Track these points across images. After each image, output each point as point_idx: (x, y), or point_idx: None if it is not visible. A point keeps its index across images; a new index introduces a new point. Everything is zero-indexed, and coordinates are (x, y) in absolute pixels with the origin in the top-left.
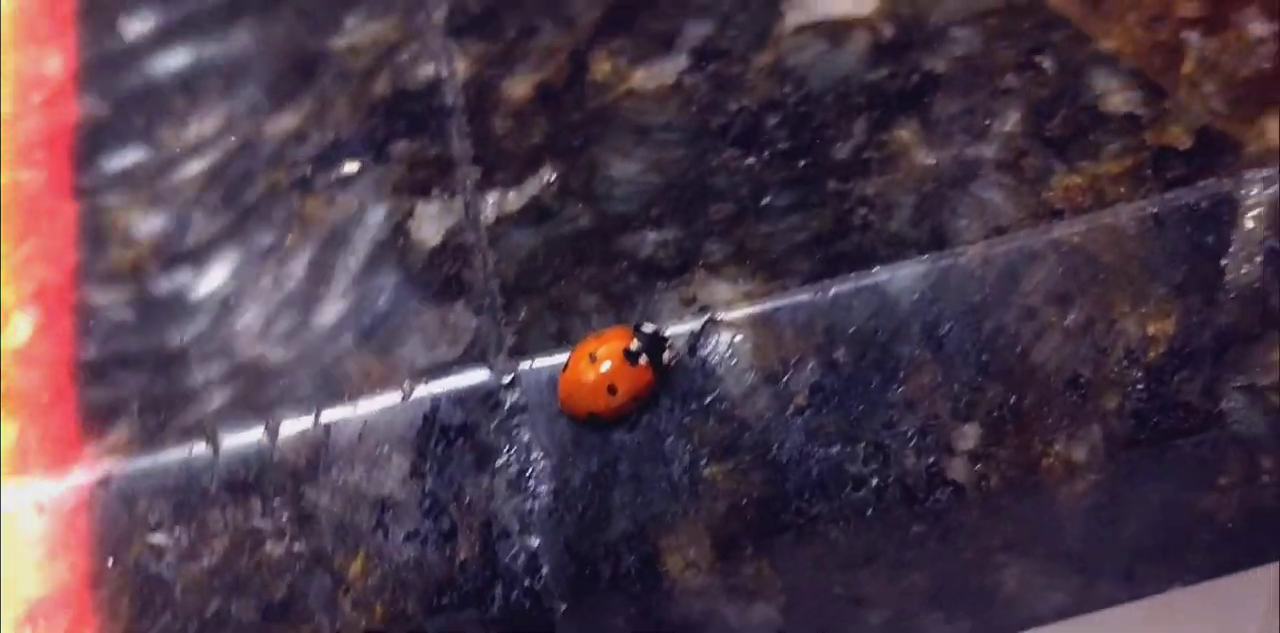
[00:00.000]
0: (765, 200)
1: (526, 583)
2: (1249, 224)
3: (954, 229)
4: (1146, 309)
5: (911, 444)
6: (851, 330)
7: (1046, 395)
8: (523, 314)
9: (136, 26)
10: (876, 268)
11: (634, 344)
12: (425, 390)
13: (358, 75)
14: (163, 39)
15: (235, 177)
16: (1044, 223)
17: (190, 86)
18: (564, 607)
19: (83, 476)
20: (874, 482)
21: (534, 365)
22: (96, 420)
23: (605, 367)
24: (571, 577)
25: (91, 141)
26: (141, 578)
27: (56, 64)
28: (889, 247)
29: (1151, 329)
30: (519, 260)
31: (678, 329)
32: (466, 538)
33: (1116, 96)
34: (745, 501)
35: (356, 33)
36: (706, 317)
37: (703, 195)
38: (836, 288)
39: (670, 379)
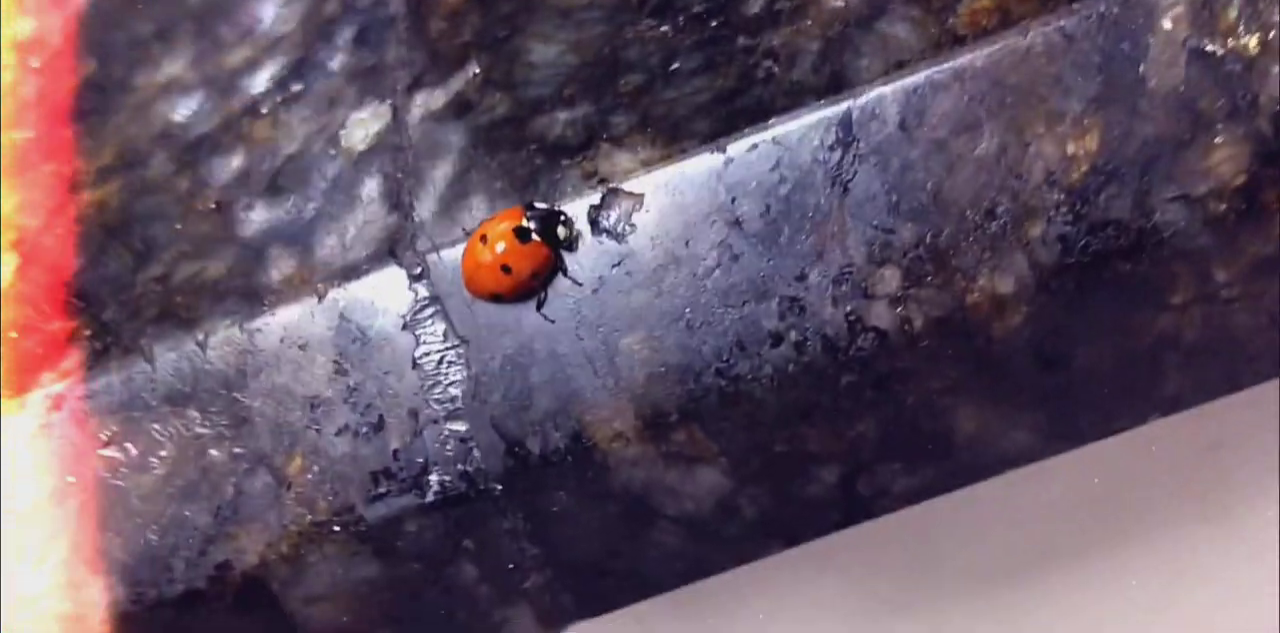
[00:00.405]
0: (674, 66)
1: (460, 467)
2: (1167, 25)
3: (854, 70)
4: (1063, 128)
5: (827, 295)
6: (753, 186)
7: (964, 230)
8: (433, 207)
9: None
10: (773, 119)
11: (525, 222)
12: (341, 291)
13: None
14: None
15: (197, 114)
16: (946, 51)
17: (165, 34)
18: (499, 488)
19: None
20: (792, 336)
21: (441, 256)
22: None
23: (499, 247)
24: (503, 458)
25: (81, 99)
26: (100, 491)
27: (55, 27)
28: (788, 96)
29: (1071, 148)
30: (435, 157)
31: (580, 203)
32: (395, 428)
33: None
34: (663, 367)
35: None
36: (606, 188)
37: (614, 69)
38: (734, 145)
39: (573, 253)
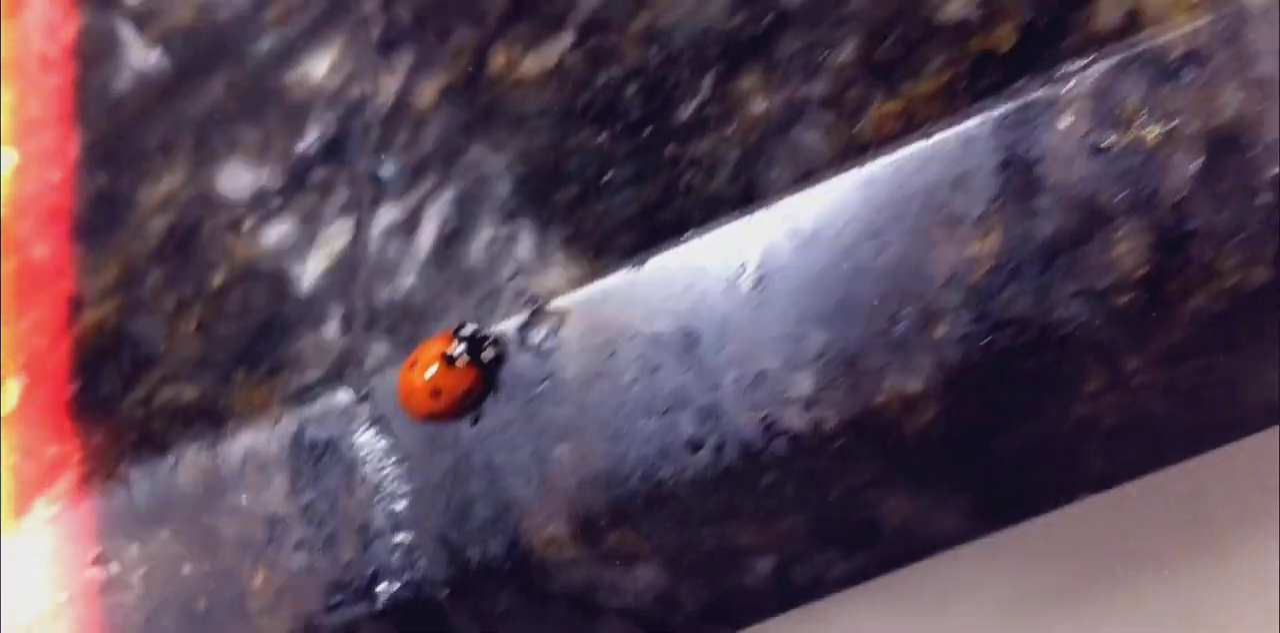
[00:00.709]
0: (607, 177)
1: (407, 576)
2: (1065, 122)
3: (766, 180)
4: (964, 230)
5: (742, 401)
6: (670, 299)
7: (871, 333)
8: (381, 327)
9: (128, 84)
10: (689, 233)
11: (452, 347)
12: (293, 414)
13: (298, 108)
14: (151, 103)
15: (186, 227)
16: (852, 159)
17: (167, 146)
18: (445, 594)
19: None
20: (711, 441)
21: (386, 376)
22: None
23: (429, 373)
24: (447, 566)
25: (91, 214)
26: (90, 607)
27: (63, 143)
28: (704, 209)
29: (972, 250)
30: (389, 274)
31: (512, 322)
32: (347, 541)
33: (954, 2)
34: (592, 475)
35: (307, 65)
36: (533, 308)
37: (555, 181)
38: (652, 260)
39: (499, 372)
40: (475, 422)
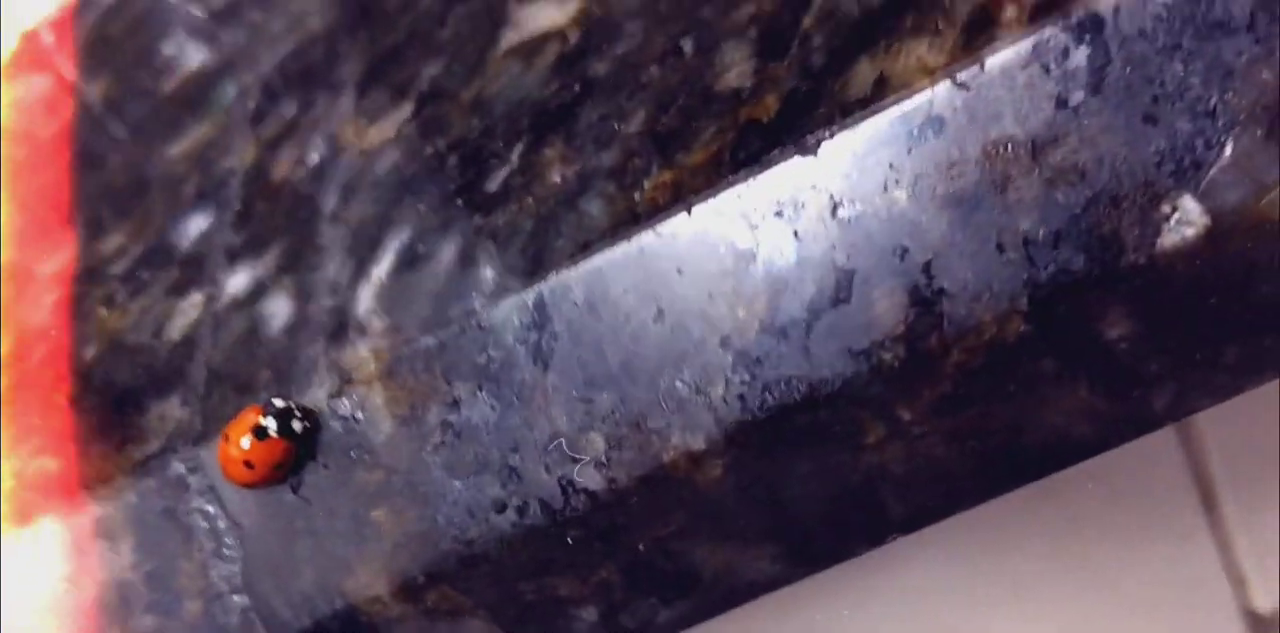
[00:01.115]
0: (418, 249)
1: None
2: (817, 189)
3: (550, 251)
4: (732, 296)
5: (540, 463)
6: (466, 367)
7: (654, 395)
8: (214, 398)
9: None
10: (477, 306)
11: (262, 420)
12: (134, 485)
13: (177, 181)
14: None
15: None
16: (625, 229)
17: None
18: None
19: None
20: (514, 501)
21: (212, 448)
22: None
23: (243, 444)
24: (283, 627)
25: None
26: None
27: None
28: (498, 280)
29: (740, 312)
30: (226, 348)
31: (322, 392)
32: (191, 604)
33: (733, 71)
34: (406, 536)
35: (189, 138)
36: (341, 380)
37: (374, 255)
38: (445, 332)
39: (314, 441)
40: (296, 489)
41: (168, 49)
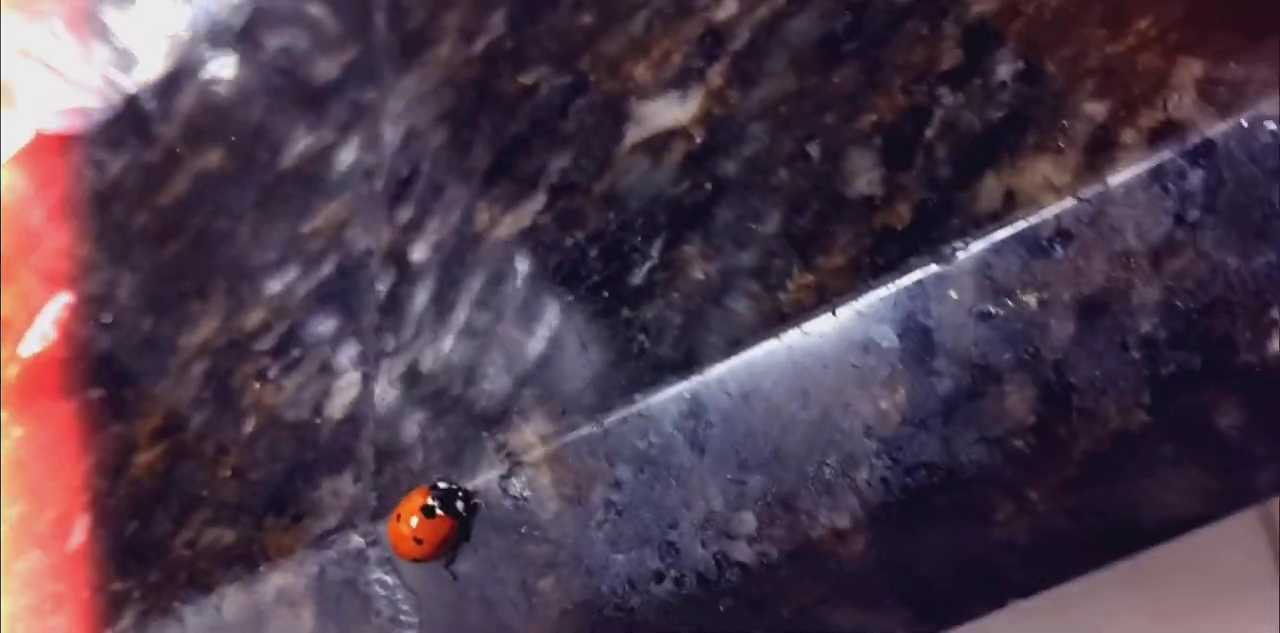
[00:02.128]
0: (573, 338)
1: None
2: (954, 294)
3: (704, 346)
4: (875, 388)
5: (696, 538)
6: (627, 453)
7: (802, 478)
8: (386, 477)
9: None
10: (638, 395)
11: (429, 501)
12: (315, 556)
13: (312, 259)
14: (186, 246)
15: (220, 376)
16: (775, 328)
17: (203, 291)
18: None
19: None
20: (672, 574)
21: (387, 524)
22: (113, 609)
23: (412, 523)
24: None
25: (141, 358)
26: None
27: (112, 288)
28: (652, 373)
29: (883, 405)
30: (393, 427)
31: (494, 474)
32: None
33: (862, 178)
34: (571, 605)
35: (321, 215)
36: (511, 462)
37: (525, 340)
38: (609, 419)
39: (475, 520)
40: (449, 563)
41: (278, 124)
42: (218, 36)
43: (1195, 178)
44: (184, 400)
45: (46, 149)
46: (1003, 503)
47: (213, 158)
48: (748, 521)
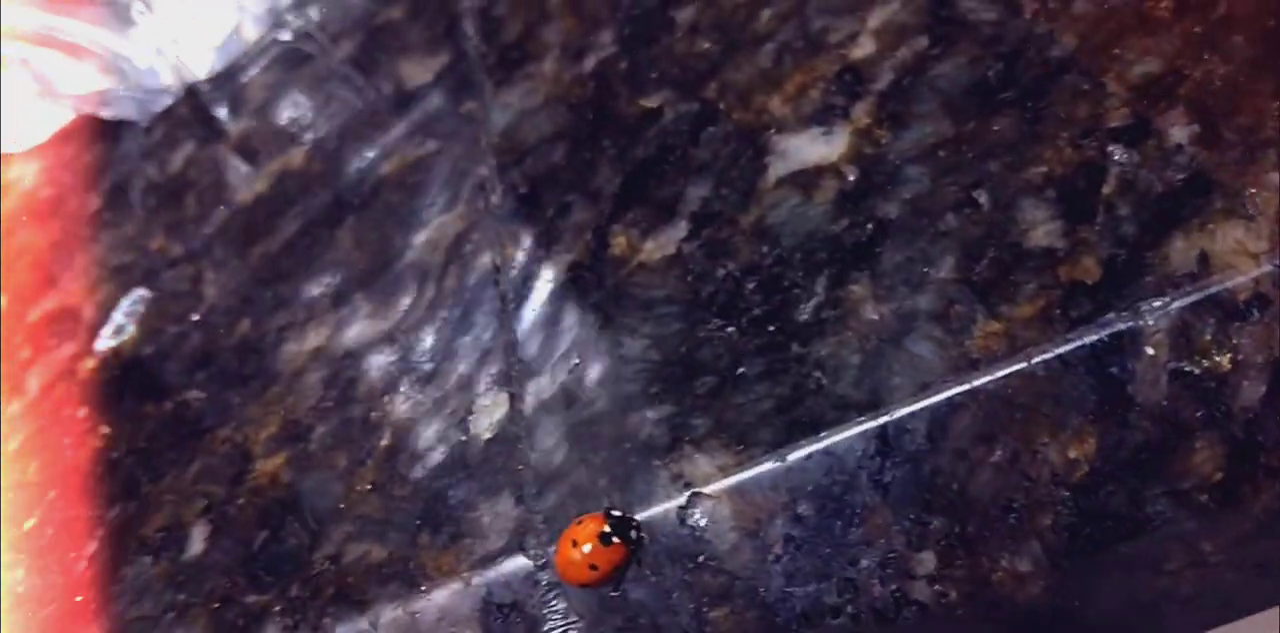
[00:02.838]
0: (740, 370)
1: None
2: (1150, 351)
3: (888, 388)
4: (1065, 437)
5: (875, 576)
6: (810, 488)
7: (986, 521)
8: (550, 501)
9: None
10: (824, 432)
11: (606, 528)
12: (481, 577)
13: (433, 271)
14: (278, 250)
15: (342, 385)
16: (964, 374)
17: (307, 300)
18: None
19: None
20: (849, 610)
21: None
22: (251, 623)
23: (586, 549)
24: None
25: (242, 363)
26: None
27: (195, 284)
28: (835, 410)
29: (1073, 453)
30: (548, 449)
31: (668, 505)
32: None
33: (1039, 229)
34: None
35: (432, 226)
36: (690, 492)
37: (690, 370)
38: (792, 454)
39: (645, 549)
40: (616, 589)
41: (364, 127)
42: (282, 28)
43: None
44: (302, 409)
45: (91, 135)
46: (1177, 553)
47: (295, 157)
48: (928, 561)
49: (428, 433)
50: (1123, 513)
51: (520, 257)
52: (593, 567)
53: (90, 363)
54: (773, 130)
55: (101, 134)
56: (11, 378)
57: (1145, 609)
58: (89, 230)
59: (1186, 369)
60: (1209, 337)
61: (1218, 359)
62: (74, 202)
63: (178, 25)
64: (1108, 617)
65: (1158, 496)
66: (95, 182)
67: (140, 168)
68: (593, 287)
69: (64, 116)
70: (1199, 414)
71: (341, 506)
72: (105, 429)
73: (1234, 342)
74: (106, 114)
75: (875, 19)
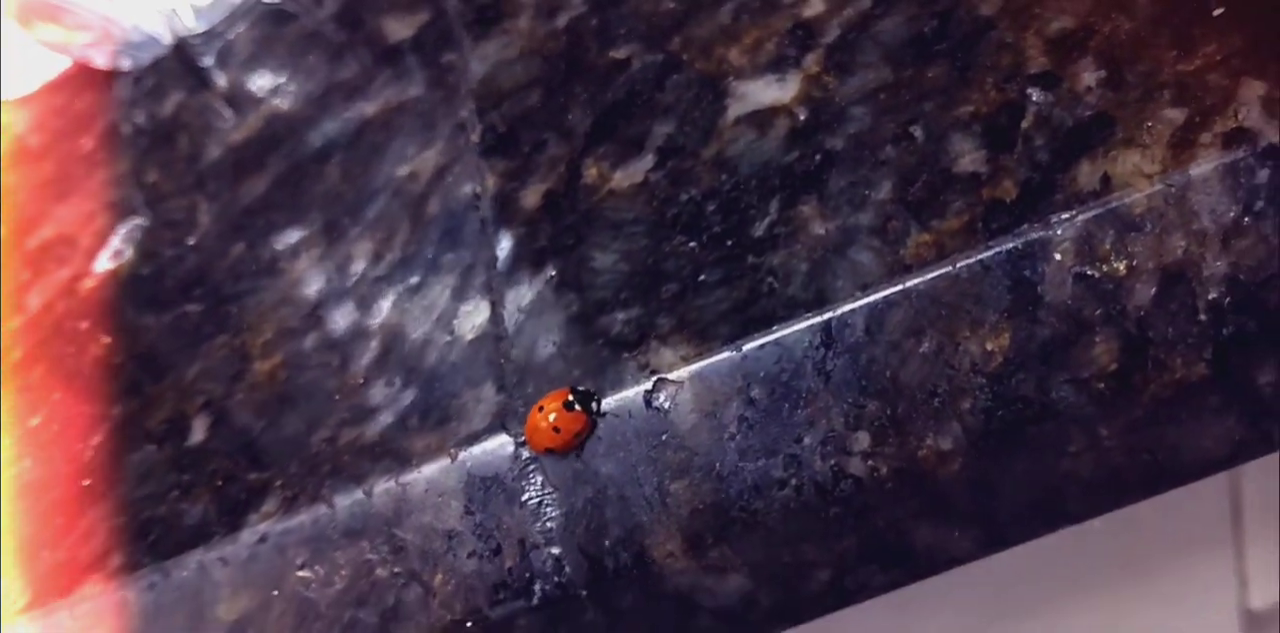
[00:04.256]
0: (700, 277)
1: (555, 579)
2: (1058, 257)
3: (832, 289)
4: (984, 332)
5: (817, 453)
6: (761, 375)
7: (914, 405)
8: (529, 389)
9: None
10: (775, 326)
11: (570, 398)
12: (466, 453)
13: (416, 199)
14: (270, 184)
15: (334, 297)
16: (899, 276)
17: (300, 223)
18: (585, 593)
19: (251, 534)
20: (793, 482)
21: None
22: (255, 495)
23: (551, 417)
24: (586, 572)
25: (235, 277)
26: (296, 601)
27: (190, 213)
28: (785, 308)
29: (990, 346)
30: (528, 347)
31: (636, 389)
32: (509, 552)
33: (966, 158)
34: (701, 506)
35: (415, 161)
36: (655, 377)
37: (657, 278)
38: (747, 346)
39: (600, 421)
40: (578, 457)
41: (350, 74)
42: None
43: (1262, 175)
44: (296, 317)
45: (85, 81)
46: (1078, 437)
47: (283, 101)
48: (863, 439)
49: (415, 335)
50: (1032, 398)
51: (498, 186)
52: (556, 430)
53: (89, 282)
54: (731, 77)
55: (92, 83)
56: (12, 297)
57: (1050, 492)
58: (83, 169)
59: (1088, 273)
60: (1108, 245)
61: (1115, 265)
62: (67, 144)
63: None
64: (1018, 499)
65: (1062, 383)
66: (88, 126)
67: (131, 113)
68: (566, 210)
69: (55, 67)
70: (1098, 312)
71: (336, 397)
72: (106, 339)
73: (1129, 250)
74: (97, 64)
75: None
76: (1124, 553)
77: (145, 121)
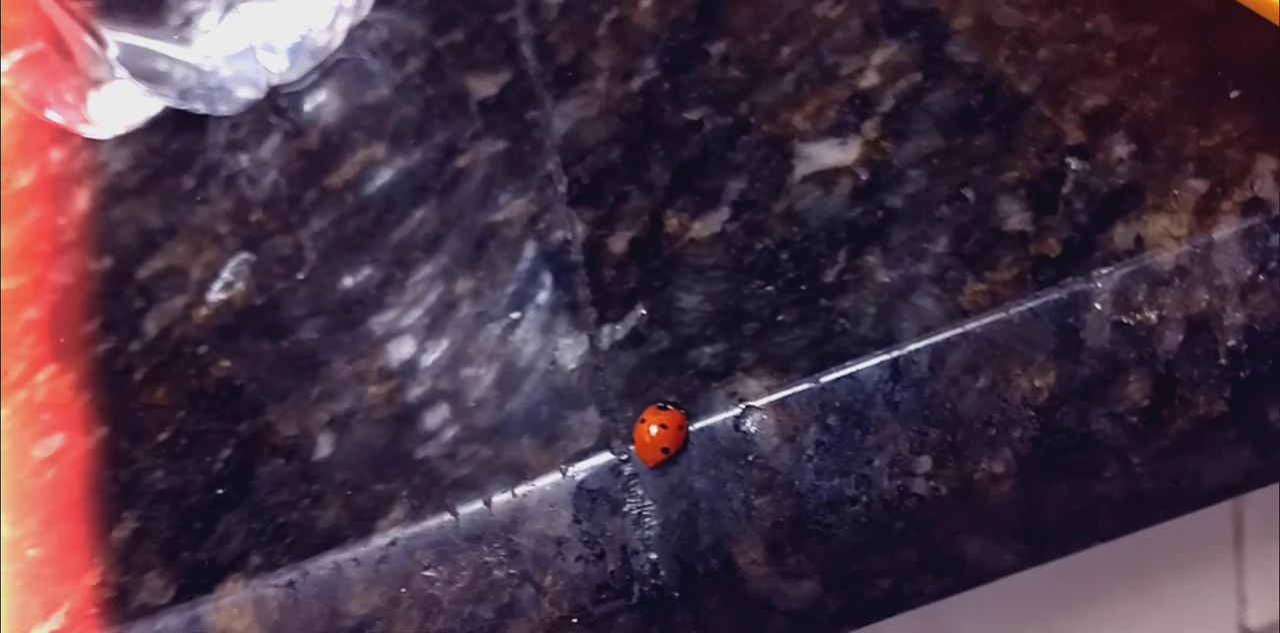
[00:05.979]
0: (779, 317)
1: (652, 582)
2: (1098, 307)
3: (898, 330)
4: (1032, 370)
5: (884, 473)
6: (837, 404)
7: (971, 433)
8: (629, 413)
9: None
10: (849, 362)
11: (661, 404)
12: (574, 469)
13: (512, 242)
14: (366, 226)
15: (440, 330)
16: (958, 320)
17: (401, 262)
18: (677, 595)
19: (382, 538)
20: (863, 500)
21: (633, 448)
22: (383, 505)
23: (652, 431)
24: (679, 576)
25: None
26: (422, 598)
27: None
28: (857, 346)
29: (1038, 383)
30: (625, 376)
31: (725, 415)
32: (612, 557)
33: (1014, 218)
34: (782, 519)
35: (508, 208)
36: (743, 405)
37: (739, 317)
38: (824, 378)
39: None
40: (672, 463)
41: (439, 127)
42: (352, 44)
43: (1275, 240)
44: (410, 347)
45: (180, 123)
46: (1113, 464)
47: (377, 150)
48: (926, 463)
49: (520, 364)
50: (1074, 429)
51: (587, 233)
52: (665, 450)
53: (204, 311)
54: (796, 140)
55: (188, 125)
56: (127, 323)
57: (1085, 512)
58: (186, 206)
59: (1124, 321)
60: (1141, 297)
61: (1148, 314)
62: (167, 182)
63: (254, 32)
64: (1057, 518)
65: (1100, 416)
66: (186, 166)
67: (228, 156)
68: (652, 256)
69: (149, 108)
70: (1132, 355)
71: (451, 416)
72: (225, 363)
73: (1160, 302)
74: (188, 107)
75: (878, 57)
76: (1128, 571)
77: (243, 164)
